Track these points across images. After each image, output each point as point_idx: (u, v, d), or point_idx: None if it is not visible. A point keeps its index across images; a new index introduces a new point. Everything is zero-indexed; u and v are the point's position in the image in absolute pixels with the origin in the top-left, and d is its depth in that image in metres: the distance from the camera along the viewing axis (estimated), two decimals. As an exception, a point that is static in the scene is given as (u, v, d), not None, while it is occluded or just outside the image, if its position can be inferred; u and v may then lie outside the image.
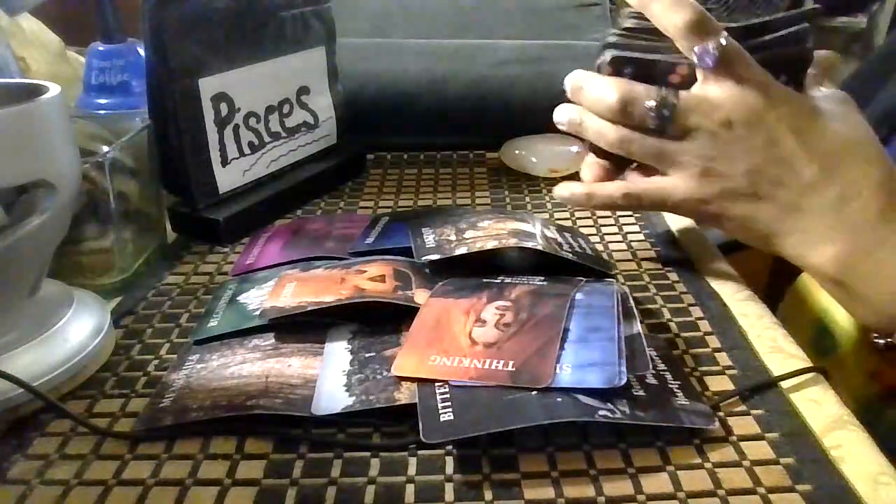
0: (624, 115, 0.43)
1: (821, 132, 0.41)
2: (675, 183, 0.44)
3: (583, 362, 0.36)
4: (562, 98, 0.49)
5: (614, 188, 0.47)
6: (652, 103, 0.42)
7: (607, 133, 0.45)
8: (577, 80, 0.46)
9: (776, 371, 0.39)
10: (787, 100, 0.42)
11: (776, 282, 0.74)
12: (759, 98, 0.41)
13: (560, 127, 0.49)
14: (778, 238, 0.42)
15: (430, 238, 0.50)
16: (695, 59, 0.41)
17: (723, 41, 0.41)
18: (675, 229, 0.57)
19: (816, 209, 0.40)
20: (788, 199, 0.41)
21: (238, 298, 0.46)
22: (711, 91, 0.42)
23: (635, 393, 0.36)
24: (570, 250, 0.49)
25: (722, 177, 0.42)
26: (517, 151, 0.70)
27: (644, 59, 0.45)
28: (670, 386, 0.37)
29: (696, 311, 0.45)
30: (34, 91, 0.38)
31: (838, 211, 0.39)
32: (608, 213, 0.60)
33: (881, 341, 0.40)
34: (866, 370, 0.51)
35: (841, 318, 0.53)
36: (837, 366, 0.53)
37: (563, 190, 0.49)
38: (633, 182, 0.47)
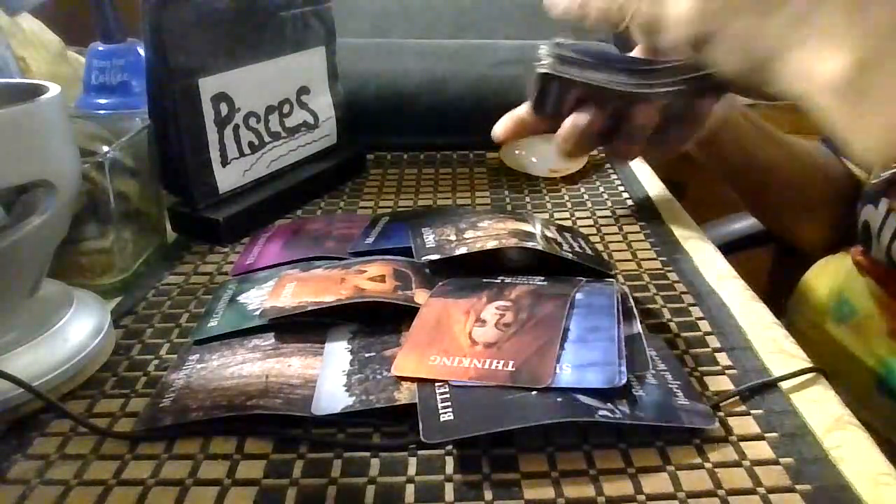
0: None
1: None
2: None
3: (583, 362, 0.36)
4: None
5: None
6: None
7: None
8: None
9: (776, 371, 0.39)
10: None
11: (776, 282, 0.75)
12: None
13: (554, 13, 0.47)
14: (780, 57, 0.38)
15: (430, 238, 0.50)
16: None
17: None
18: (676, 229, 0.57)
19: (831, 15, 0.36)
20: (800, 8, 0.37)
21: (238, 298, 0.46)
22: None
23: (635, 393, 0.36)
24: (570, 250, 0.49)
25: None
26: (517, 151, 0.70)
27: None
28: (670, 386, 0.37)
29: (696, 311, 0.45)
30: (34, 91, 0.38)
31: (852, 16, 0.36)
32: (608, 212, 0.60)
33: (884, 175, 0.36)
34: (885, 330, 0.52)
35: (859, 285, 0.53)
36: (857, 328, 0.55)
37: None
38: None
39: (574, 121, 0.50)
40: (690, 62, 0.48)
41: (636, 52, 0.55)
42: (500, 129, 0.55)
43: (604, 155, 0.69)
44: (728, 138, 0.62)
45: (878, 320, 0.54)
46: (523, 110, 0.53)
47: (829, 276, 0.62)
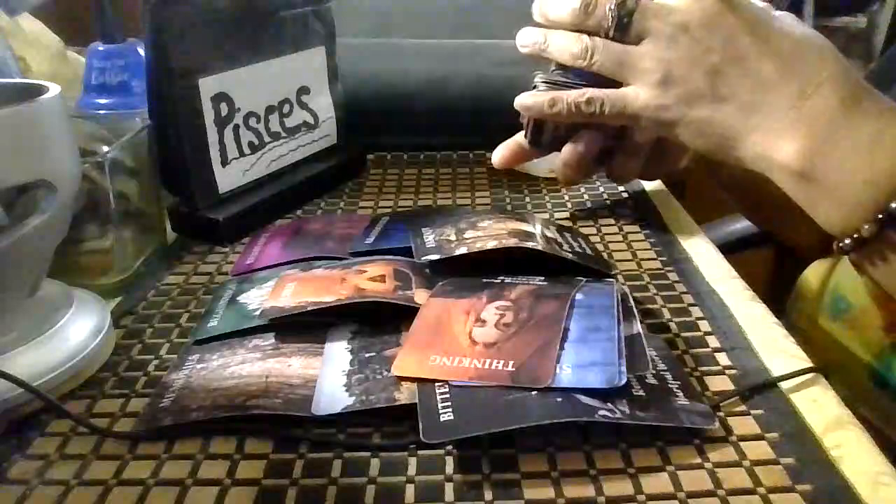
0: (585, 15, 0.45)
1: (776, 32, 0.42)
2: (636, 91, 0.45)
3: (583, 362, 0.36)
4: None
5: (577, 94, 0.47)
6: (612, 6, 0.44)
7: (571, 45, 0.46)
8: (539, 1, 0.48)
9: (776, 371, 0.39)
10: (743, 4, 0.43)
11: (776, 282, 0.75)
12: (714, 2, 0.42)
13: (523, 50, 0.50)
14: (738, 140, 0.42)
15: (430, 238, 0.50)
16: None
17: None
18: (675, 229, 0.57)
19: (777, 106, 0.40)
20: (748, 99, 0.41)
21: (238, 298, 0.46)
22: None
23: (635, 393, 0.36)
24: (570, 250, 0.49)
25: (681, 80, 0.43)
26: (517, 151, 0.70)
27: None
28: (670, 386, 0.37)
29: (696, 311, 0.45)
30: (34, 91, 0.38)
31: (799, 106, 0.39)
32: (608, 212, 0.60)
33: (848, 241, 0.39)
34: (880, 324, 0.53)
35: (854, 281, 0.54)
36: (853, 324, 0.55)
37: (525, 98, 0.50)
38: (597, 89, 0.47)
39: (573, 147, 0.51)
40: None
41: None
42: (498, 157, 0.56)
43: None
44: None
45: (874, 315, 0.54)
46: (520, 138, 0.54)
47: (824, 272, 0.62)
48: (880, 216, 0.37)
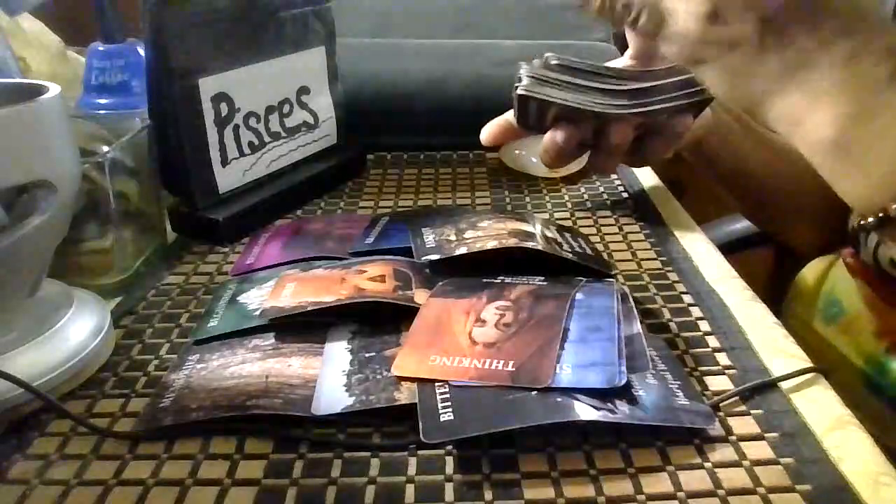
0: None
1: None
2: (679, 13, 0.39)
3: (583, 362, 0.36)
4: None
5: None
6: None
7: None
8: None
9: (776, 371, 0.39)
10: None
11: (776, 282, 0.75)
12: None
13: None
14: (771, 97, 0.38)
15: (430, 238, 0.50)
16: None
17: None
18: (675, 229, 0.57)
19: (824, 65, 0.36)
20: (799, 55, 0.37)
21: (238, 298, 0.46)
22: None
23: (635, 393, 0.36)
24: (570, 250, 0.49)
25: (731, 20, 0.38)
26: (517, 151, 0.70)
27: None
28: (670, 386, 0.37)
29: (696, 311, 0.45)
30: (34, 91, 0.38)
31: (847, 68, 0.36)
32: (608, 212, 0.60)
33: (872, 219, 0.36)
34: (872, 329, 0.52)
35: (848, 286, 0.53)
36: (846, 328, 0.55)
37: None
38: None
39: (552, 136, 0.52)
40: (668, 85, 0.50)
41: (627, 56, 0.55)
42: (487, 133, 0.56)
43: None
44: (717, 142, 0.62)
45: (867, 320, 0.54)
46: (509, 116, 0.54)
47: (819, 276, 0.62)
48: None
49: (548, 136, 0.52)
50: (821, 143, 0.37)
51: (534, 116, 0.52)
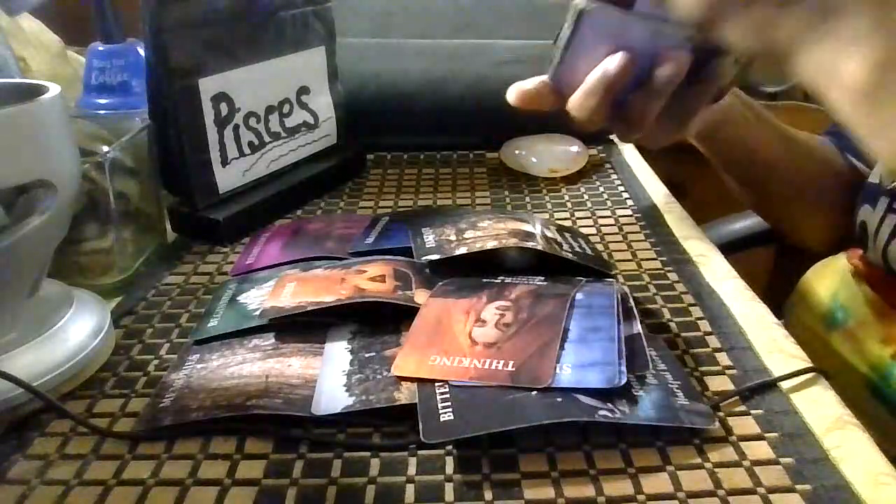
0: None
1: None
2: None
3: (583, 362, 0.36)
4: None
5: None
6: None
7: None
8: None
9: (776, 371, 0.39)
10: None
11: (777, 282, 0.75)
12: None
13: None
14: (800, 46, 0.36)
15: (430, 238, 0.50)
16: None
17: None
18: (675, 229, 0.57)
19: (853, 12, 0.34)
20: (823, 3, 0.35)
21: (238, 298, 0.46)
22: None
23: (635, 393, 0.36)
24: (570, 250, 0.49)
25: None
26: (517, 151, 0.70)
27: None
28: (670, 386, 0.37)
29: (696, 311, 0.45)
30: (34, 91, 0.38)
31: (878, 12, 0.34)
32: (608, 212, 0.60)
33: None
34: (878, 336, 0.52)
35: (854, 291, 0.53)
36: (851, 335, 0.55)
37: None
38: None
39: (605, 69, 0.46)
40: None
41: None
42: (515, 93, 0.50)
43: (610, 131, 0.64)
44: (730, 131, 0.61)
45: (873, 327, 0.54)
46: (536, 81, 0.48)
47: (825, 280, 0.62)
48: None
49: (596, 72, 0.46)
50: (853, 93, 0.35)
51: (584, 45, 0.46)
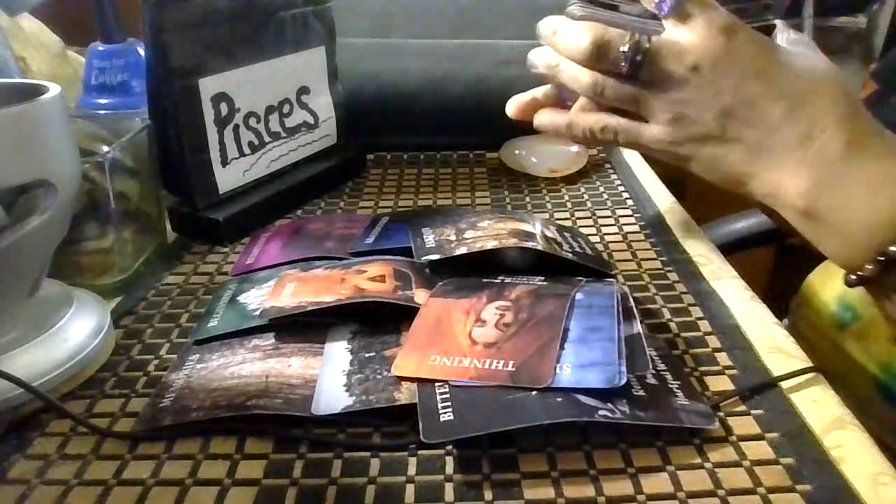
0: (597, 59, 0.44)
1: (785, 72, 0.42)
2: (648, 126, 0.45)
3: (583, 362, 0.36)
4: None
5: (593, 120, 0.47)
6: (625, 48, 0.43)
7: (581, 77, 0.45)
8: (551, 25, 0.47)
9: (776, 371, 0.39)
10: (752, 41, 0.43)
11: (777, 282, 0.74)
12: (724, 42, 0.42)
13: (534, 70, 0.49)
14: (748, 178, 0.43)
15: (430, 238, 0.50)
16: (653, 7, 0.43)
17: None
18: (675, 229, 0.57)
19: (783, 147, 0.41)
20: (756, 140, 0.42)
21: (238, 298, 0.46)
22: (680, 36, 0.42)
23: (635, 393, 0.36)
24: (570, 250, 0.49)
25: (692, 121, 0.43)
26: (517, 151, 0.70)
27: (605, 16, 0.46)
28: (670, 386, 0.37)
29: (696, 311, 0.45)
30: (34, 91, 0.38)
31: (805, 147, 0.40)
32: (608, 212, 0.60)
33: (853, 277, 0.40)
34: (887, 336, 0.53)
35: (861, 292, 0.53)
36: (860, 334, 0.55)
37: (544, 116, 0.50)
38: (613, 117, 0.47)
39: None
40: None
41: None
42: (515, 105, 0.53)
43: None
44: None
45: (881, 326, 0.54)
46: (537, 91, 0.52)
47: (832, 280, 0.62)
48: (881, 258, 0.38)
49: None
50: (795, 213, 0.41)
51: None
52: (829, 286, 0.62)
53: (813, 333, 0.60)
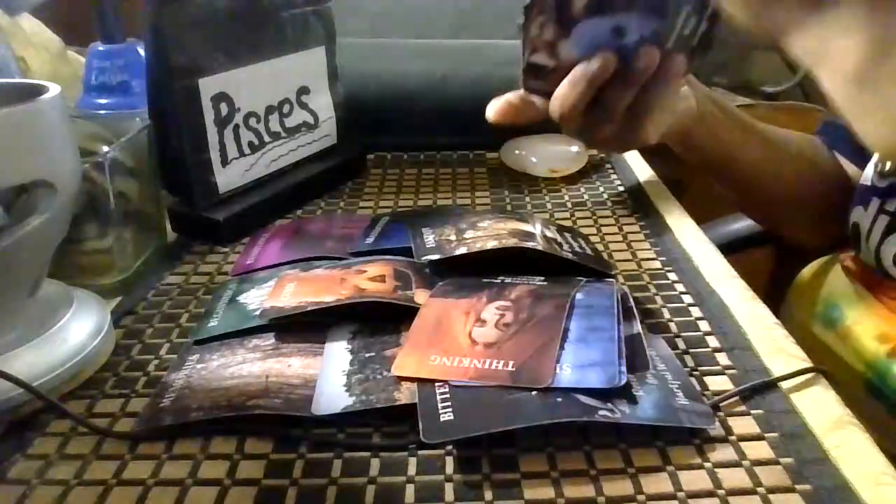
0: None
1: None
2: None
3: (583, 362, 0.36)
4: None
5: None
6: None
7: None
8: None
9: (776, 371, 0.39)
10: None
11: (777, 282, 0.74)
12: None
13: None
14: (796, 27, 0.36)
15: (430, 238, 0.50)
16: None
17: None
18: (675, 229, 0.57)
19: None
20: None
21: (238, 298, 0.46)
22: None
23: (635, 393, 0.36)
24: (570, 250, 0.49)
25: None
26: (517, 151, 0.70)
27: None
28: (670, 386, 0.37)
29: (696, 311, 0.45)
30: (34, 91, 0.38)
31: (873, 3, 0.34)
32: (608, 212, 0.60)
33: (889, 164, 0.35)
34: (873, 334, 0.52)
35: (848, 290, 0.53)
36: (846, 333, 0.55)
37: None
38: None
39: (587, 64, 0.49)
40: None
41: None
42: (494, 110, 0.53)
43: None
44: (705, 134, 0.60)
45: (867, 325, 0.54)
46: (513, 95, 0.52)
47: (819, 279, 0.62)
48: None
49: (577, 70, 0.50)
50: (844, 77, 0.35)
51: (549, 72, 0.50)
52: (818, 285, 0.62)
53: (802, 332, 0.60)
